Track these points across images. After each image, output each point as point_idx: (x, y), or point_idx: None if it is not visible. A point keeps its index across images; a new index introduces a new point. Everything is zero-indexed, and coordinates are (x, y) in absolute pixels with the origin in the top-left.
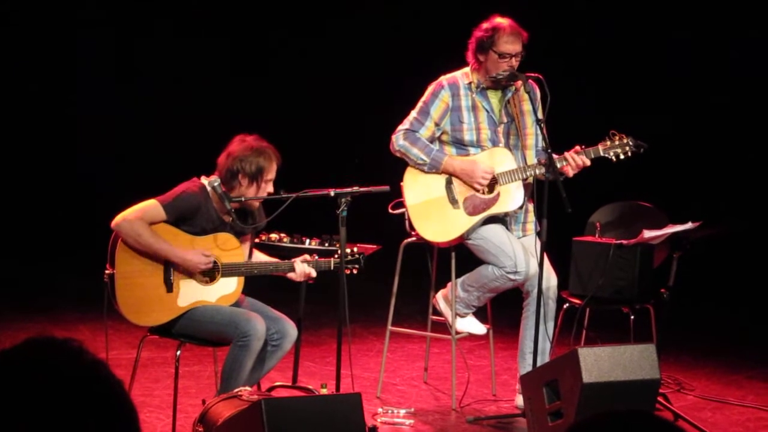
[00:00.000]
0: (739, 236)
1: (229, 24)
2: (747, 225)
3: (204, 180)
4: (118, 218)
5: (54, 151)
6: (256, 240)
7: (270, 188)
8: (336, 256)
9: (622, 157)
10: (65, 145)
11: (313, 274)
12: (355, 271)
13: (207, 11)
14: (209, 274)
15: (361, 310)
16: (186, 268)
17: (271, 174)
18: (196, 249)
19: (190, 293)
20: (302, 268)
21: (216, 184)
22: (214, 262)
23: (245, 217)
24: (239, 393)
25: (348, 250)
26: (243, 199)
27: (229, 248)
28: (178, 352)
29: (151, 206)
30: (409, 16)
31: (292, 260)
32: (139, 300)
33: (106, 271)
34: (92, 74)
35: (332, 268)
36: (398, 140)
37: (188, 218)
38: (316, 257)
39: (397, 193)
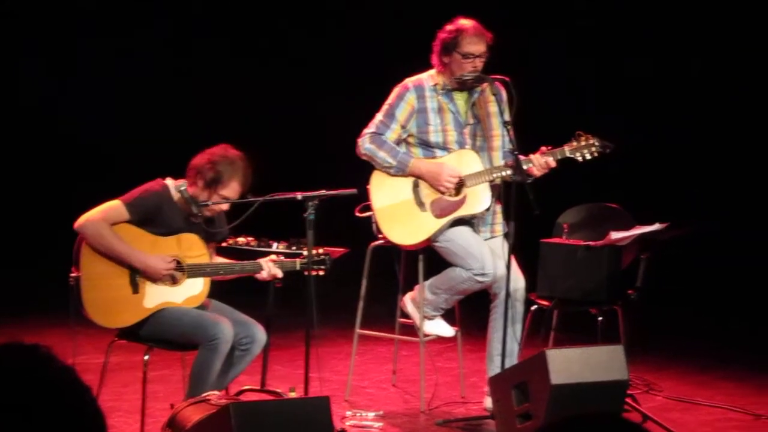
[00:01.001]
0: (707, 237)
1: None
2: (714, 226)
3: (168, 181)
4: (82, 219)
5: (18, 156)
6: (224, 244)
7: (224, 206)
8: (302, 257)
9: (588, 157)
10: (30, 150)
11: (280, 274)
12: (321, 273)
13: (179, 13)
14: (174, 275)
15: (329, 314)
16: (147, 273)
17: (229, 191)
18: (159, 253)
19: (157, 294)
20: (269, 268)
21: (183, 188)
22: (179, 263)
23: (208, 222)
24: (208, 397)
25: (314, 252)
26: (210, 203)
27: (193, 249)
28: (147, 357)
29: (114, 207)
30: (377, 19)
31: (258, 260)
32: (106, 302)
33: (72, 274)
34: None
35: (298, 268)
36: (364, 143)
37: (152, 218)
38: (282, 258)
39: (364, 196)
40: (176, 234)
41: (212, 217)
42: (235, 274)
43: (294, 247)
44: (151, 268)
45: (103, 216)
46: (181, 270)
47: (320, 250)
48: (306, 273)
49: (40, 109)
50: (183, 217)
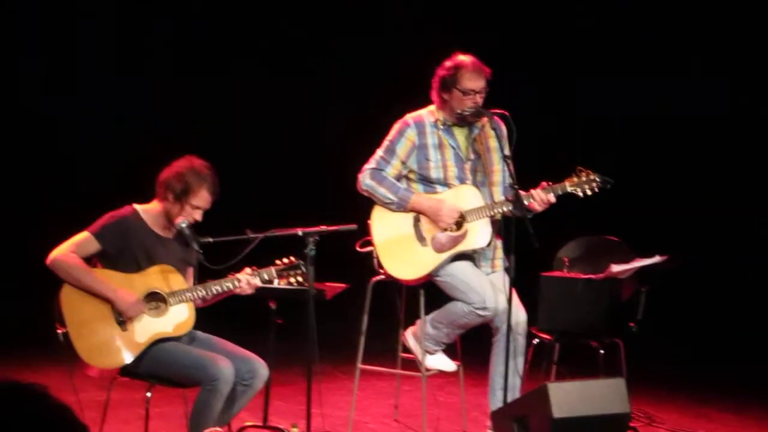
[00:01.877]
0: (706, 269)
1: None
2: (712, 257)
3: (137, 206)
4: (52, 255)
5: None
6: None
7: (198, 216)
8: (277, 265)
9: (589, 193)
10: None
11: (259, 283)
12: (299, 278)
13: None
14: (157, 307)
15: (330, 349)
16: (119, 306)
17: (199, 200)
18: (134, 290)
19: (146, 327)
20: (247, 280)
21: (184, 225)
22: (159, 294)
23: (185, 241)
24: None
25: (285, 260)
26: (211, 240)
27: (170, 278)
28: (149, 394)
29: (83, 239)
30: (376, 51)
31: (234, 275)
32: (99, 346)
33: (58, 331)
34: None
35: (275, 276)
36: (365, 179)
37: (122, 245)
38: (257, 269)
39: (364, 230)
40: (149, 259)
41: (192, 227)
42: (217, 294)
43: (294, 282)
44: (121, 300)
45: (72, 249)
46: (164, 300)
47: (291, 257)
48: (284, 280)
49: (39, 109)
50: (155, 238)
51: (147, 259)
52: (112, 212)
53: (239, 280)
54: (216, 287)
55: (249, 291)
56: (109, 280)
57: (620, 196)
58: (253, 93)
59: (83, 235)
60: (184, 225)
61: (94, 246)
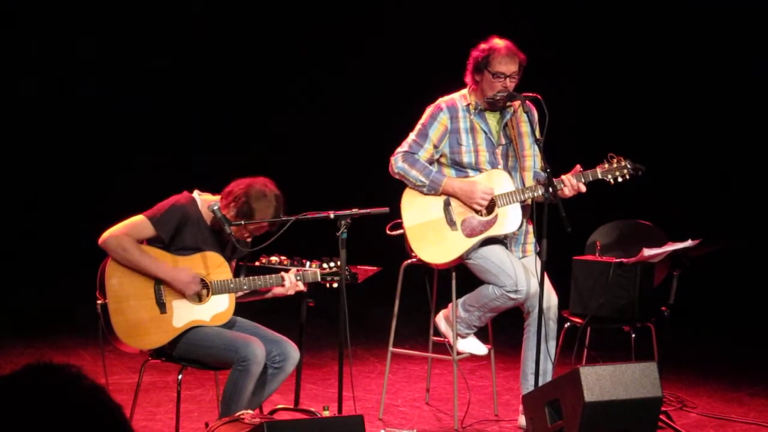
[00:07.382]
0: (739, 253)
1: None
2: (746, 242)
3: (195, 194)
4: (105, 235)
5: (52, 181)
6: (256, 263)
7: (249, 238)
8: (322, 268)
9: (620, 179)
10: (65, 173)
11: (301, 286)
12: (335, 285)
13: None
14: (199, 294)
15: (362, 332)
16: (175, 286)
17: (256, 227)
18: (184, 267)
19: (185, 313)
20: (290, 280)
21: (216, 208)
22: (203, 281)
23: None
24: (241, 416)
25: (332, 264)
26: (242, 223)
27: (215, 266)
28: (180, 376)
29: (138, 222)
30: (412, 39)
31: (280, 274)
32: (134, 324)
33: (98, 302)
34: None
35: (319, 279)
36: (397, 162)
37: (176, 233)
38: (301, 270)
39: (396, 214)
40: (198, 251)
41: (238, 238)
42: (259, 291)
43: (327, 266)
44: (178, 280)
45: (126, 231)
46: (206, 288)
47: (331, 263)
48: (326, 285)
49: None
50: (208, 231)
51: (196, 248)
52: (173, 200)
53: (283, 279)
54: (261, 283)
55: (290, 292)
56: (160, 260)
57: (654, 179)
58: (288, 82)
59: (139, 219)
60: (216, 208)
61: (149, 231)
